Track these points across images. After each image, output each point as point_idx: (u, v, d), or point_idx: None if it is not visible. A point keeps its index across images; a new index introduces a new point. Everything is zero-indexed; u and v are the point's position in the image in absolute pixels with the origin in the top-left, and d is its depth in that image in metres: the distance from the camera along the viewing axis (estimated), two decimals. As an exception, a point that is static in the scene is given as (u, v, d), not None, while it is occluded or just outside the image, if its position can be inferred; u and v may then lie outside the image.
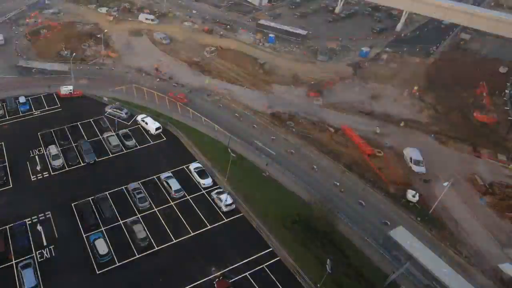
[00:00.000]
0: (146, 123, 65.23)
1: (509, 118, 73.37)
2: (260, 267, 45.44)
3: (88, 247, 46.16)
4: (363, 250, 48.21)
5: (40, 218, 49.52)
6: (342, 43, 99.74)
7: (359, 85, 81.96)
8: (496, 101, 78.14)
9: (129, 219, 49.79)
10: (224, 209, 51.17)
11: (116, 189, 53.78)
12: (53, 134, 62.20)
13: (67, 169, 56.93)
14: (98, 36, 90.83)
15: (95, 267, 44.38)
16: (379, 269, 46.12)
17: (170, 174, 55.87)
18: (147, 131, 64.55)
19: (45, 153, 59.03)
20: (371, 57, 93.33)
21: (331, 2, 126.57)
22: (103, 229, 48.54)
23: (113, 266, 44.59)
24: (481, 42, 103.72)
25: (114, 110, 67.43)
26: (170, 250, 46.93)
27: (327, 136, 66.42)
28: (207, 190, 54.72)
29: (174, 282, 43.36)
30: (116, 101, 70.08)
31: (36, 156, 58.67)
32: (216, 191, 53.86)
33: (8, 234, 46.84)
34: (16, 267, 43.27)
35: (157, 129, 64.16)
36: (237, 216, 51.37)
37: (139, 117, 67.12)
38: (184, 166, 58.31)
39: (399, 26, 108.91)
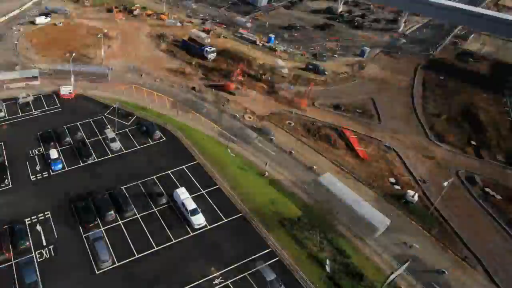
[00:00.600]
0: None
1: (508, 118, 73.49)
2: (260, 267, 45.46)
3: (87, 247, 46.25)
4: (362, 251, 48.29)
5: (40, 218, 49.63)
6: (341, 44, 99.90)
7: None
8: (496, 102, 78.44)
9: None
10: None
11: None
12: (53, 134, 62.23)
13: (66, 169, 57.00)
14: (98, 36, 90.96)
15: (95, 267, 44.45)
16: (379, 269, 46.20)
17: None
18: None
19: (44, 153, 59.11)
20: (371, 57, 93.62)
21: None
22: (102, 229, 48.61)
23: (112, 266, 44.63)
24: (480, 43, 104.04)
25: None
26: (169, 250, 47.02)
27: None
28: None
29: (174, 282, 43.41)
30: (117, 101, 70.00)
31: (36, 156, 58.75)
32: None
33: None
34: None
35: None
36: (236, 216, 51.45)
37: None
38: (183, 166, 58.41)
39: (400, 24, 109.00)
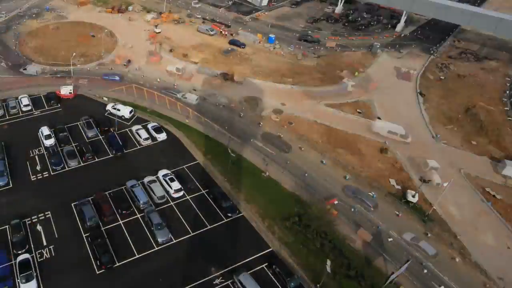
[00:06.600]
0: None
1: (508, 118, 73.45)
2: (260, 267, 45.49)
3: (88, 247, 46.24)
4: (363, 251, 48.28)
5: (40, 218, 49.60)
6: (341, 43, 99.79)
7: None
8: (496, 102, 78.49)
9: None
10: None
11: (116, 188, 53.94)
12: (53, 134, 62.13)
13: (66, 169, 56.95)
14: (93, 36, 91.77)
15: (95, 267, 44.44)
16: (379, 269, 46.19)
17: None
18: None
19: (45, 153, 59.06)
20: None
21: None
22: (103, 229, 48.63)
23: (113, 266, 44.64)
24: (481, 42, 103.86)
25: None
26: (170, 249, 47.00)
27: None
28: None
29: (174, 282, 43.42)
30: (116, 101, 70.17)
31: (36, 156, 58.69)
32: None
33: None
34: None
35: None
36: (237, 216, 51.43)
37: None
38: (184, 166, 58.41)
39: (399, 26, 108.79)
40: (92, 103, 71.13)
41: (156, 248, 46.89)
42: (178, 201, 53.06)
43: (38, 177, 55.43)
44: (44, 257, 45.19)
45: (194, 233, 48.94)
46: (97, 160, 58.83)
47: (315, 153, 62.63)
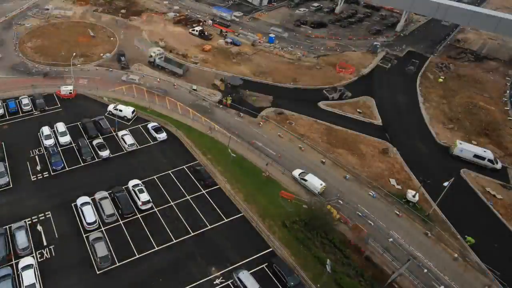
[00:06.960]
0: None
1: (509, 118, 73.44)
2: (260, 267, 45.49)
3: (88, 247, 46.25)
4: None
5: (40, 218, 49.60)
6: (341, 43, 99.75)
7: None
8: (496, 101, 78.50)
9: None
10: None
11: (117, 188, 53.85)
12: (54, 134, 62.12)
13: (67, 169, 56.95)
14: (92, 35, 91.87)
15: (95, 267, 44.46)
16: (380, 269, 46.17)
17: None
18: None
19: (45, 153, 59.06)
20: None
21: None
22: (103, 229, 48.63)
23: (113, 266, 44.63)
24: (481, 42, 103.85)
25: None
26: (169, 250, 46.99)
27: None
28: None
29: (174, 282, 43.42)
30: (116, 101, 70.19)
31: (36, 156, 58.69)
32: None
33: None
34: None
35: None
36: (237, 216, 51.43)
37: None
38: (184, 166, 58.39)
39: (399, 26, 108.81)
40: (93, 103, 71.13)
41: (156, 248, 46.96)
42: (178, 201, 53.08)
43: (38, 177, 55.48)
44: (44, 257, 45.22)
45: (194, 233, 49.00)
46: (97, 160, 58.89)
47: (315, 153, 62.64)
